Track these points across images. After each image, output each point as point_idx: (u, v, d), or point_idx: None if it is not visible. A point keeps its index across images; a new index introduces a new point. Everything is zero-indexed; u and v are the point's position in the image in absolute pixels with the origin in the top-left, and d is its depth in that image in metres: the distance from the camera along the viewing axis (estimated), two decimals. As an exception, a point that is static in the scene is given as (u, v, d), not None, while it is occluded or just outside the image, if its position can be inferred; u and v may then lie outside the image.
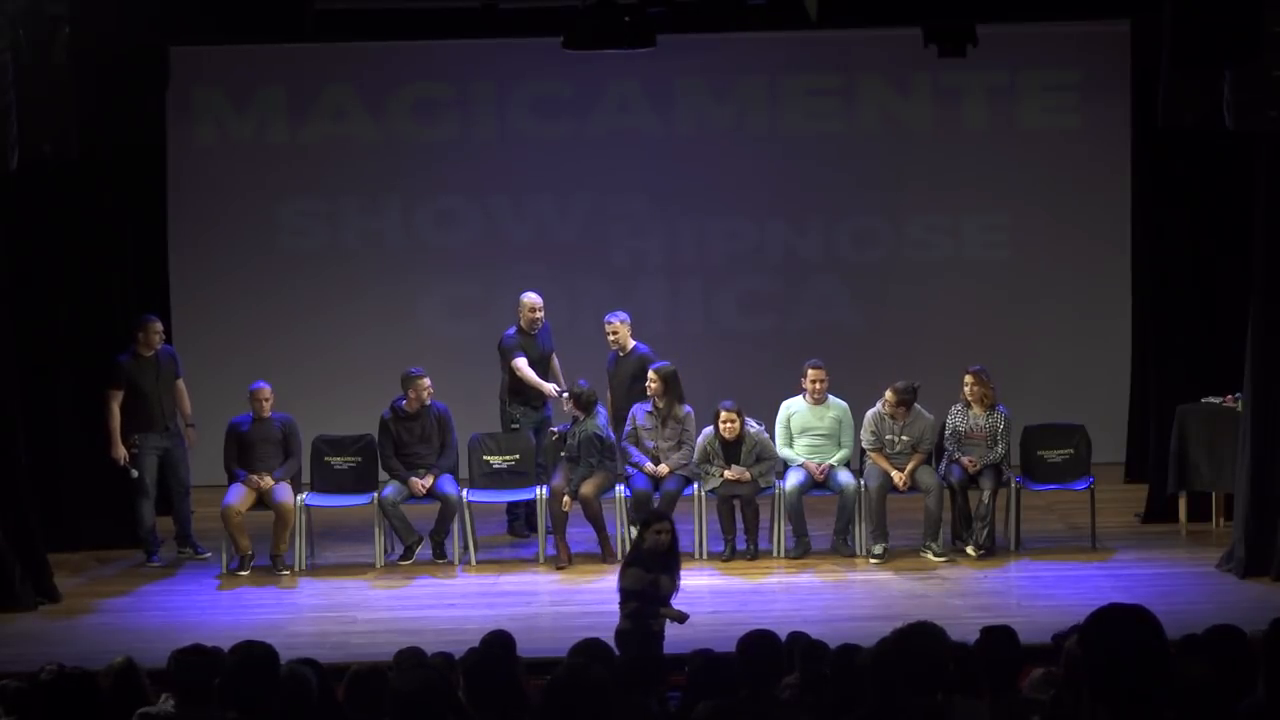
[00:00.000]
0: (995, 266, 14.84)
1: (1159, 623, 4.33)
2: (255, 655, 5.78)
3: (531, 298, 13.01)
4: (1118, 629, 4.34)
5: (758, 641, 6.81)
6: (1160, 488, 12.95)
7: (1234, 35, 9.32)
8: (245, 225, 14.69)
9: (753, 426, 12.43)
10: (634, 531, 12.32)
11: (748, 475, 12.28)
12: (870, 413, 12.48)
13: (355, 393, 13.77)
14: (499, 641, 7.37)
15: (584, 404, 12.36)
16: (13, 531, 11.59)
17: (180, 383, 12.80)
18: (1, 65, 9.06)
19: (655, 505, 12.31)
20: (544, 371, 13.00)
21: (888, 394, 12.38)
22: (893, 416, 12.39)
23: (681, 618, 9.66)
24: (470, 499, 12.56)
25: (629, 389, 12.79)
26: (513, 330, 13.01)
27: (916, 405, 12.45)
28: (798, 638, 7.83)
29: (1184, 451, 12.63)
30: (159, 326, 12.75)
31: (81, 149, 9.59)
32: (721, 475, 12.29)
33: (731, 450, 12.36)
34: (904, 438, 12.38)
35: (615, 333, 12.86)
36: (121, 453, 12.43)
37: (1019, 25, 13.80)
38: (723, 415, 12.28)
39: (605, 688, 5.62)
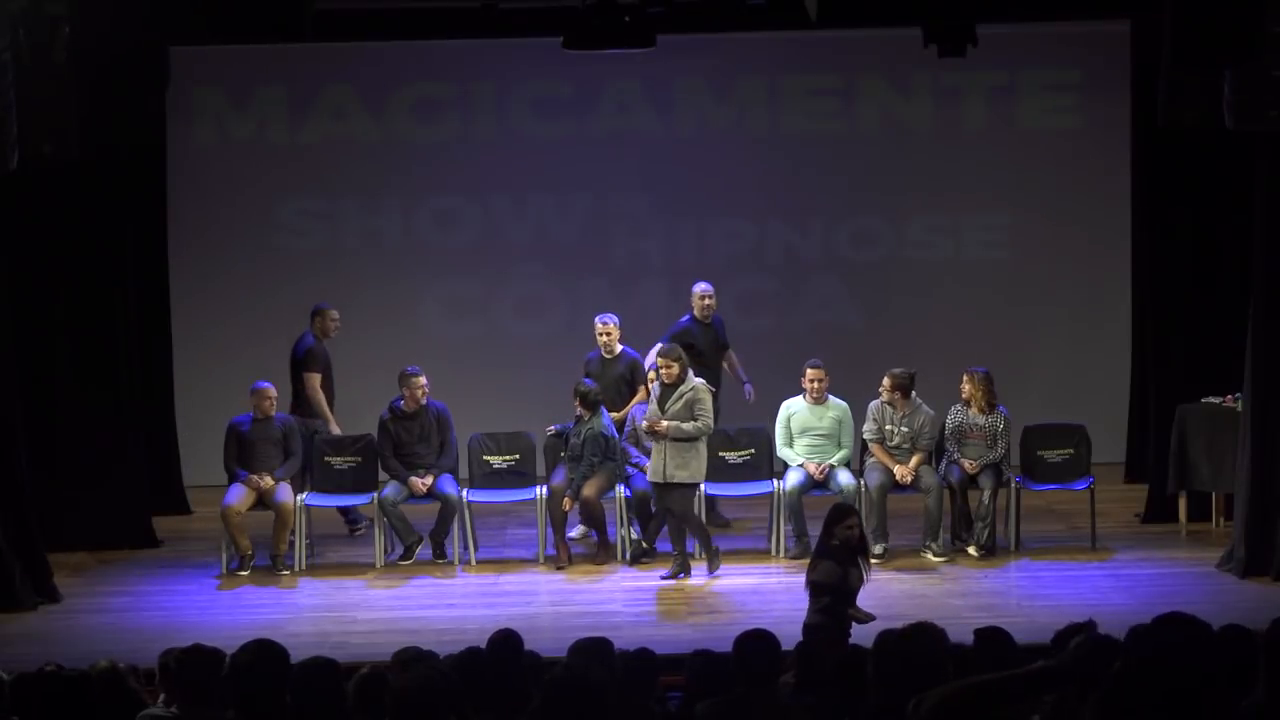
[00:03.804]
0: (995, 266, 14.84)
1: (1213, 636, 4.36)
2: (268, 654, 5.76)
3: (702, 286, 13.09)
4: (1177, 637, 4.36)
5: (754, 641, 6.82)
6: (1160, 488, 12.96)
7: (1234, 35, 9.33)
8: (245, 225, 14.69)
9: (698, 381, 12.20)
10: (634, 531, 12.38)
11: (662, 425, 11.74)
12: (872, 404, 12.50)
13: (355, 393, 13.77)
14: (505, 641, 7.34)
15: (590, 403, 12.37)
16: (13, 531, 11.59)
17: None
18: (1, 65, 9.06)
19: (655, 505, 12.32)
20: (718, 363, 13.08)
21: (884, 380, 12.41)
22: (892, 405, 12.39)
23: (868, 618, 9.53)
24: (470, 499, 12.56)
25: (618, 391, 12.80)
26: (687, 319, 13.06)
27: (917, 398, 12.46)
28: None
29: (1184, 451, 12.63)
30: (335, 314, 13.09)
31: (81, 149, 9.59)
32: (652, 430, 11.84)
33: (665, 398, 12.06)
34: (904, 429, 12.38)
35: (610, 334, 12.86)
36: (338, 430, 12.87)
37: (1019, 25, 13.80)
38: (660, 362, 11.99)
39: (604, 688, 5.63)
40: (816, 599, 9.60)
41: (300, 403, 13.04)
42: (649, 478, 11.96)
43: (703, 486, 12.28)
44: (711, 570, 11.89)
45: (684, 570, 11.85)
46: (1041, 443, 12.79)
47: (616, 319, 12.94)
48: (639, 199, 14.80)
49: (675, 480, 11.75)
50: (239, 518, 12.27)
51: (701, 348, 12.93)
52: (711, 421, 11.85)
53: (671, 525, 12.04)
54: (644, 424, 11.92)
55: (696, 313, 13.10)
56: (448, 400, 12.82)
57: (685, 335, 12.91)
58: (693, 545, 12.06)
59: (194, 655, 6.47)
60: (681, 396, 11.76)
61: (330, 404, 13.10)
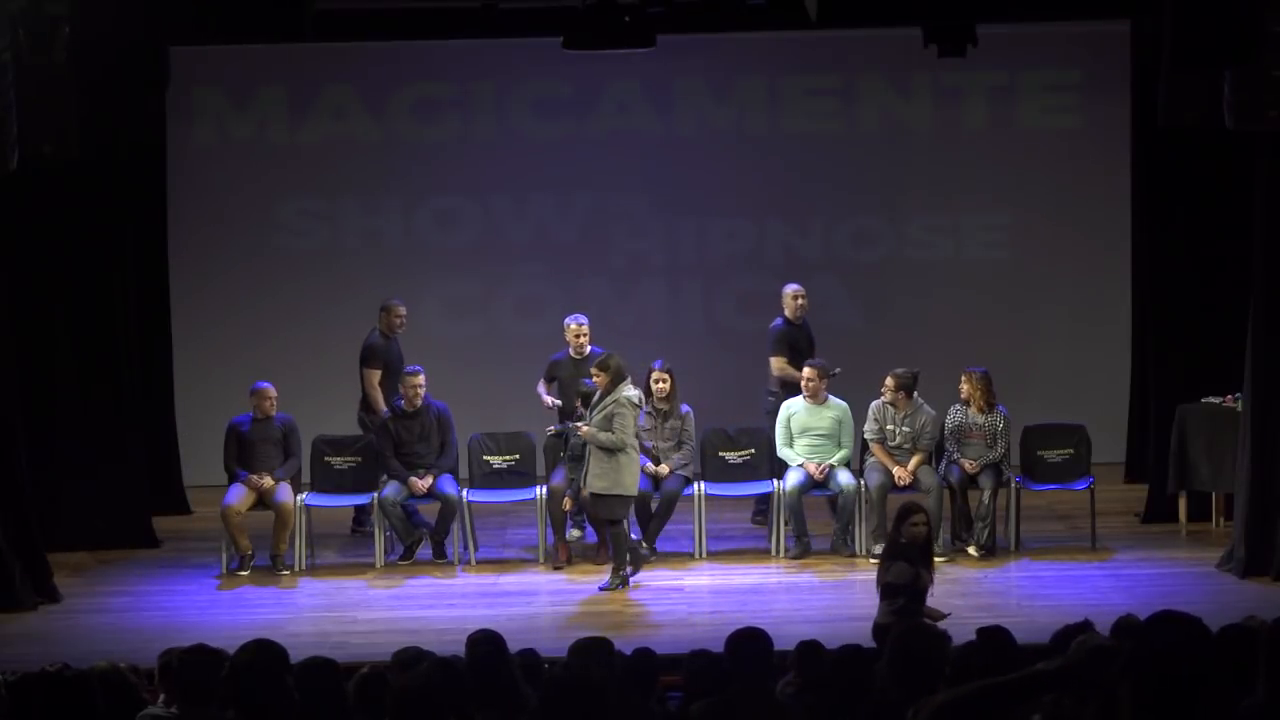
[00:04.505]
0: (995, 266, 14.83)
1: (1210, 634, 4.36)
2: (268, 654, 5.76)
3: (794, 286, 13.09)
4: (1174, 635, 4.37)
5: (746, 640, 6.82)
6: (1160, 488, 12.96)
7: (1234, 35, 9.32)
8: (245, 225, 14.69)
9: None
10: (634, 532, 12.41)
11: (582, 430, 11.73)
12: (874, 404, 12.50)
13: (355, 393, 13.76)
14: (487, 639, 7.29)
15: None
16: (13, 531, 11.59)
17: None
18: (1, 65, 9.05)
19: (655, 506, 12.33)
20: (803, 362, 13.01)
21: (887, 380, 12.41)
22: (894, 405, 12.39)
23: (941, 616, 9.43)
24: (470, 499, 12.56)
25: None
26: (780, 321, 13.03)
27: (918, 398, 12.46)
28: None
29: (1184, 451, 12.63)
30: (402, 310, 13.03)
31: (81, 149, 9.59)
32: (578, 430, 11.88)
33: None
34: (905, 429, 12.38)
35: (584, 335, 12.85)
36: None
37: (1019, 25, 13.79)
38: (592, 371, 11.91)
39: (603, 687, 5.63)
40: (890, 600, 9.53)
41: (365, 399, 13.01)
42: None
43: (703, 486, 12.29)
44: (612, 586, 11.70)
45: (623, 581, 11.72)
46: (1041, 443, 12.79)
47: (587, 319, 12.93)
48: (639, 199, 14.80)
49: (593, 490, 11.71)
50: (239, 518, 12.27)
51: (800, 348, 12.92)
52: (627, 437, 11.65)
53: (600, 536, 12.07)
54: (572, 425, 11.94)
55: (789, 313, 13.04)
56: (448, 400, 12.82)
57: (784, 338, 12.92)
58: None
59: (194, 655, 6.47)
60: (605, 408, 11.70)
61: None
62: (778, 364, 12.97)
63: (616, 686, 6.47)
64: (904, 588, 9.51)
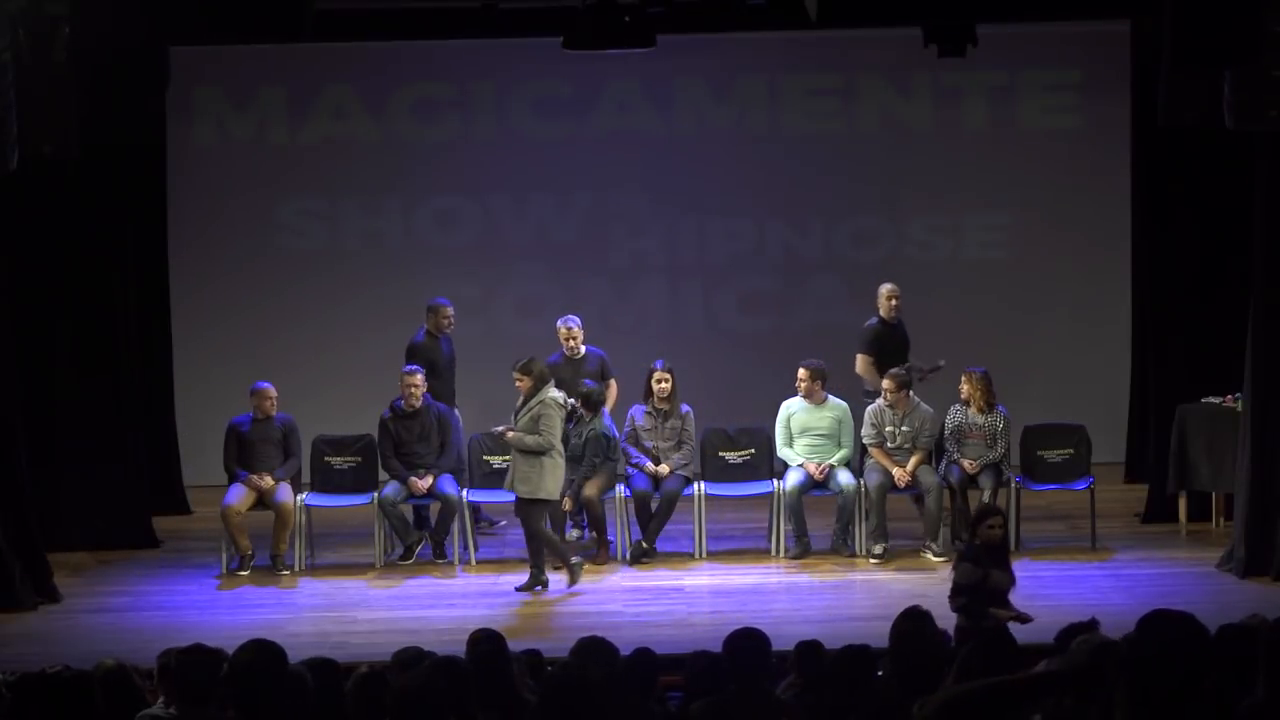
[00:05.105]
0: (995, 267, 14.83)
1: (1207, 633, 4.37)
2: (266, 654, 5.76)
3: (890, 286, 13.02)
4: (1167, 634, 4.37)
5: (743, 640, 6.83)
6: (1160, 488, 12.96)
7: (1234, 35, 9.31)
8: (245, 225, 14.68)
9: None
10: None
11: (508, 435, 11.76)
12: (869, 408, 12.49)
13: (355, 393, 13.77)
14: (489, 639, 7.30)
15: (593, 404, 12.36)
16: (13, 531, 11.59)
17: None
18: (1, 65, 9.05)
19: (655, 505, 12.33)
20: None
21: (886, 383, 12.40)
22: (893, 406, 12.39)
23: (1015, 619, 9.26)
24: (470, 499, 12.56)
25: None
26: (875, 320, 12.99)
27: (914, 397, 12.46)
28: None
29: (1184, 451, 12.63)
30: (450, 311, 12.97)
31: (81, 149, 9.59)
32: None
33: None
34: (904, 428, 12.38)
35: (576, 337, 12.85)
36: None
37: (1019, 25, 13.79)
38: (515, 374, 11.84)
39: (603, 687, 5.63)
40: (953, 599, 9.54)
41: None
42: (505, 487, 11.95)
43: (703, 486, 12.30)
44: (571, 583, 11.65)
45: (540, 584, 11.65)
46: (1041, 443, 12.79)
47: (580, 320, 12.92)
48: (639, 198, 14.80)
49: (517, 494, 11.70)
50: (239, 518, 12.27)
51: (891, 349, 12.86)
52: (554, 440, 11.62)
53: (527, 539, 12.06)
54: (496, 430, 11.92)
55: (883, 313, 13.00)
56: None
57: (875, 337, 12.87)
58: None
59: (194, 655, 6.47)
60: (530, 410, 11.66)
61: (451, 399, 12.91)
62: (862, 363, 12.87)
63: (616, 686, 6.47)
64: (966, 588, 9.50)
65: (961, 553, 9.98)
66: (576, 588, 11.73)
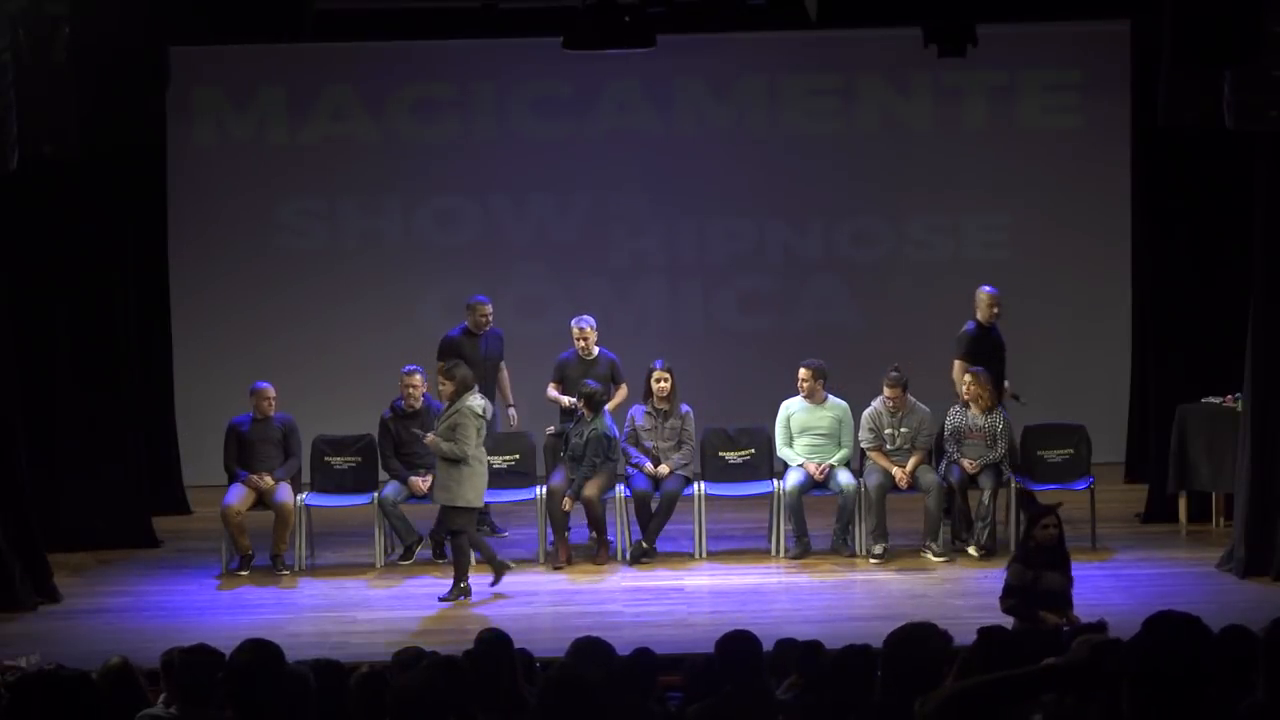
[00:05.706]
0: (995, 266, 14.80)
1: (1210, 634, 4.37)
2: (263, 654, 5.76)
3: (990, 290, 12.84)
4: (1173, 636, 4.37)
5: (735, 642, 6.83)
6: (1160, 488, 12.96)
7: (1234, 35, 9.32)
8: (245, 225, 14.69)
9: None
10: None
11: (429, 439, 11.70)
12: (865, 412, 12.48)
13: (355, 393, 13.77)
14: (494, 638, 7.32)
15: (594, 404, 12.35)
16: (13, 531, 11.59)
17: (503, 364, 13.02)
18: (1, 65, 9.06)
19: (655, 505, 12.33)
20: (1001, 369, 12.83)
21: (885, 387, 12.39)
22: (892, 410, 12.39)
23: (1069, 622, 9.15)
24: (470, 499, 12.55)
25: (605, 390, 12.77)
26: (972, 325, 12.88)
27: (911, 397, 12.46)
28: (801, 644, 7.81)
29: (1184, 451, 12.63)
30: (488, 308, 12.94)
31: (81, 149, 9.59)
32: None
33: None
34: (903, 430, 12.38)
35: (589, 337, 12.85)
36: None
37: (1019, 25, 13.80)
38: (438, 378, 11.80)
39: (601, 687, 5.63)
40: (1003, 600, 9.52)
41: None
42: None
43: (703, 486, 12.29)
44: (494, 583, 11.61)
45: (464, 594, 11.57)
46: (1041, 443, 12.79)
47: (594, 321, 12.92)
48: (639, 198, 14.80)
49: (437, 500, 11.71)
50: (239, 518, 12.27)
51: (983, 354, 12.71)
52: (468, 448, 11.48)
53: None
54: (421, 435, 11.88)
55: (981, 317, 12.82)
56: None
57: (969, 343, 12.72)
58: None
59: (194, 656, 6.47)
60: (449, 417, 11.60)
61: (490, 395, 12.71)
62: (959, 369, 12.68)
63: (614, 686, 6.47)
64: (1015, 589, 9.48)
65: (1017, 554, 9.92)
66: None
